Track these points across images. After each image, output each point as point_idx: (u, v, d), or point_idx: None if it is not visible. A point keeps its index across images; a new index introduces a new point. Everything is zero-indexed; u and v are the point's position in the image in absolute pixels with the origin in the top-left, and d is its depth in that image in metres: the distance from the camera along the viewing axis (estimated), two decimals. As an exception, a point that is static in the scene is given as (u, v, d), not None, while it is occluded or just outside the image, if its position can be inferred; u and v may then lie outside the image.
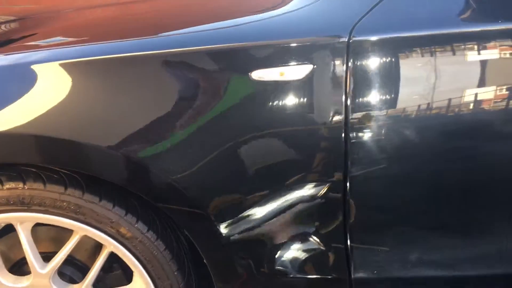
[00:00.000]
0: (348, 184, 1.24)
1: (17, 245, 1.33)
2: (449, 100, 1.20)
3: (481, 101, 1.20)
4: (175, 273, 1.32)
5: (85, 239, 1.31)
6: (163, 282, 1.32)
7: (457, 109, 1.20)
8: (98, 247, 1.36)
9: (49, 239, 1.41)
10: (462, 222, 1.30)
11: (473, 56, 1.20)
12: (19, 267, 1.42)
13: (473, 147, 1.24)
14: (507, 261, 1.32)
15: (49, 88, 1.20)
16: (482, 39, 1.18)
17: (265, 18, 1.28)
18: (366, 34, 1.18)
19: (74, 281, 1.42)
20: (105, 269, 1.39)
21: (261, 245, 1.30)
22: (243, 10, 1.41)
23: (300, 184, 1.25)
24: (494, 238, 1.32)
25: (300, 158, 1.24)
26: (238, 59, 1.21)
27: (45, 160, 1.25)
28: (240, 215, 1.26)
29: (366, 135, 1.21)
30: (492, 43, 1.19)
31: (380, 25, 1.20)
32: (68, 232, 1.32)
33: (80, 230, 1.28)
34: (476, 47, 1.19)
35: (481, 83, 1.20)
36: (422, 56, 1.19)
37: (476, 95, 1.20)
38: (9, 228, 1.33)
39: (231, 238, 1.26)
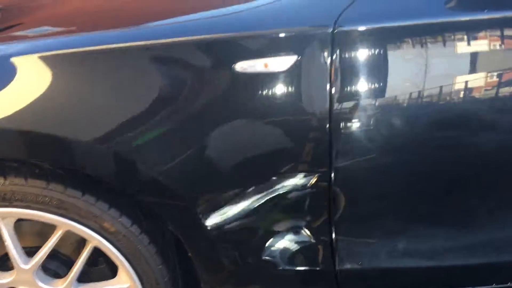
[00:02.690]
0: (333, 175, 1.23)
1: (0, 240, 1.32)
2: (436, 90, 1.19)
3: (467, 92, 1.19)
4: (160, 267, 1.31)
5: (69, 233, 1.30)
6: (147, 276, 1.31)
7: (444, 99, 1.19)
8: (83, 241, 1.34)
9: (33, 234, 1.39)
10: (447, 213, 1.30)
11: (461, 46, 1.19)
12: (2, 263, 1.40)
13: (459, 138, 1.24)
14: (491, 251, 1.33)
15: (29, 81, 1.17)
16: (470, 29, 1.17)
17: (249, 9, 1.26)
18: (352, 24, 1.17)
19: (59, 276, 1.40)
20: (90, 263, 1.37)
21: (246, 238, 1.29)
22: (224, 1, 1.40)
23: (284, 176, 1.24)
24: (478, 228, 1.32)
25: (284, 150, 1.23)
26: (221, 50, 1.19)
27: (25, 154, 1.23)
28: (224, 208, 1.24)
29: (351, 127, 1.21)
30: (480, 33, 1.18)
31: (366, 15, 1.19)
32: (52, 226, 1.30)
33: (63, 225, 1.26)
34: (464, 36, 1.18)
35: (469, 73, 1.19)
36: (408, 46, 1.18)
37: (464, 85, 1.19)
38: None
39: (216, 230, 1.25)
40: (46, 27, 1.47)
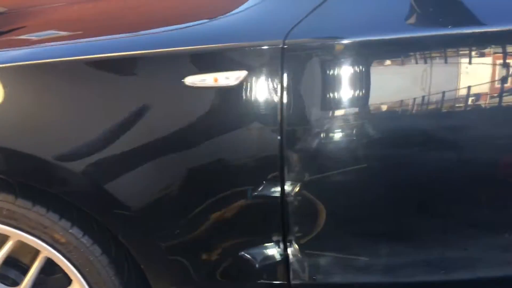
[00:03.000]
0: (285, 189, 1.23)
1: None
2: (382, 104, 1.18)
3: (412, 105, 1.18)
4: (112, 278, 1.31)
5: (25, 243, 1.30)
6: (99, 287, 1.31)
7: (390, 113, 1.18)
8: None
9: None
10: (399, 228, 1.29)
11: (407, 61, 1.18)
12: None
13: (406, 152, 1.23)
14: (446, 268, 1.32)
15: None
16: (414, 45, 1.17)
17: (201, 23, 1.26)
18: (302, 39, 1.17)
19: (16, 284, 1.41)
20: (46, 272, 1.38)
21: (197, 250, 1.29)
22: (179, 15, 1.39)
23: (235, 190, 1.23)
24: (433, 245, 1.31)
25: (235, 165, 1.23)
26: (171, 64, 1.19)
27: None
28: (174, 220, 1.25)
29: (302, 141, 1.20)
30: (428, 48, 1.17)
31: (316, 31, 1.18)
32: (5, 236, 1.31)
33: (14, 235, 1.26)
34: (410, 53, 1.17)
35: (413, 86, 1.18)
36: (357, 61, 1.17)
37: (408, 99, 1.17)
38: None
39: (165, 242, 1.25)
40: (46, 31, 1.47)
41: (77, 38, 1.32)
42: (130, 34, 1.28)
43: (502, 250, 1.32)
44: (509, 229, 1.27)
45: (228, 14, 1.24)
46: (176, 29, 1.25)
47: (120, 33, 1.30)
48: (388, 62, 1.18)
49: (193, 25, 1.25)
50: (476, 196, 1.26)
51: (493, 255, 1.31)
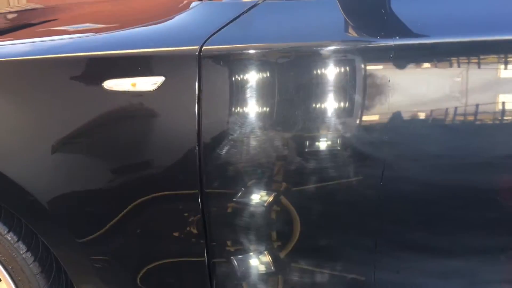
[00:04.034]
0: (204, 198, 1.21)
1: None
2: (296, 109, 1.15)
3: (321, 108, 1.14)
4: (36, 276, 1.32)
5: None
6: (23, 285, 1.32)
7: (304, 119, 1.15)
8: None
9: None
10: (316, 241, 1.24)
11: (325, 69, 1.14)
12: None
13: (331, 164, 1.18)
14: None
15: None
16: (330, 52, 1.13)
17: (124, 28, 1.27)
18: (217, 46, 1.15)
19: None
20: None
21: (117, 254, 1.29)
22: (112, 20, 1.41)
23: (153, 196, 1.23)
24: (356, 265, 1.26)
25: (153, 170, 1.22)
26: (91, 68, 1.20)
27: None
28: (95, 223, 1.25)
29: (220, 149, 1.18)
30: (341, 56, 1.13)
31: (234, 39, 1.17)
32: None
33: None
34: (324, 59, 1.13)
35: (318, 89, 1.14)
36: (275, 68, 1.15)
37: (317, 103, 1.14)
38: None
39: (86, 245, 1.26)
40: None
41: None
42: (57, 37, 1.30)
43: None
44: None
45: (155, 21, 1.25)
46: (100, 33, 1.26)
47: (38, 38, 1.33)
48: (300, 68, 1.14)
49: (117, 30, 1.26)
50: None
51: None
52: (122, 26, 1.27)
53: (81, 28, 1.34)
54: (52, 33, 1.33)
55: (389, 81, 1.12)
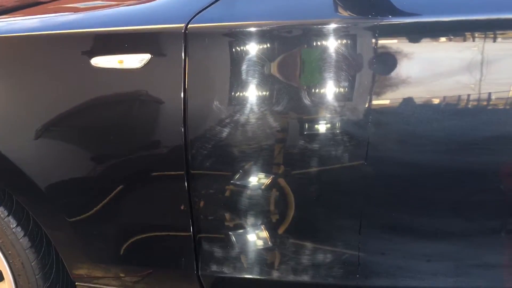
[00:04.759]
0: (190, 178, 1.22)
1: None
2: (282, 88, 1.15)
3: (305, 89, 1.14)
4: (26, 251, 1.34)
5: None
6: (13, 259, 1.35)
7: (289, 97, 1.15)
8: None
9: None
10: (299, 222, 1.24)
11: (311, 47, 1.13)
12: None
13: (315, 145, 1.18)
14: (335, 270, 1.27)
15: None
16: (316, 30, 1.13)
17: (110, 6, 1.28)
18: (203, 24, 1.16)
19: None
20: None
21: (106, 234, 1.30)
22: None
23: (140, 175, 1.24)
24: (341, 246, 1.26)
25: (139, 150, 1.23)
26: (79, 45, 1.21)
27: None
28: (84, 204, 1.27)
29: (206, 128, 1.19)
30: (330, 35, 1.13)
31: (221, 17, 1.17)
32: None
33: None
34: (311, 38, 1.13)
35: (305, 68, 1.14)
36: (261, 46, 1.14)
37: (302, 83, 1.14)
38: None
39: (76, 224, 1.28)
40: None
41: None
42: (44, 16, 1.32)
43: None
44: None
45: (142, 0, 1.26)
46: (88, 11, 1.27)
47: (28, 16, 1.34)
48: (285, 46, 1.14)
49: (104, 8, 1.27)
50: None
51: None
52: (109, 5, 1.28)
53: (68, 6, 1.35)
54: (40, 12, 1.34)
55: (374, 60, 1.11)
